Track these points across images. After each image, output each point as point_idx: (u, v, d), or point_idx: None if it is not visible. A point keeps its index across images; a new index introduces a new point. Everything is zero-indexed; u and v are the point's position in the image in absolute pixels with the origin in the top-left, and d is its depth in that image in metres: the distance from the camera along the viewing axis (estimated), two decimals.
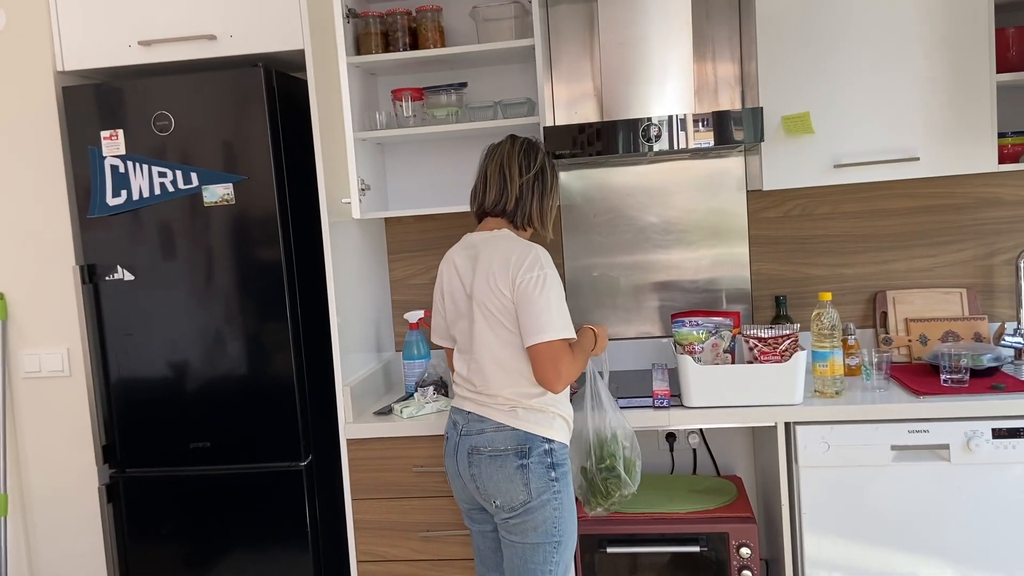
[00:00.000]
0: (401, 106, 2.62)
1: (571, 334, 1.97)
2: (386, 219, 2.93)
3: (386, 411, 2.46)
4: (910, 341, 2.63)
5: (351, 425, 2.38)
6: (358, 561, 2.40)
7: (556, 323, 1.93)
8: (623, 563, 2.35)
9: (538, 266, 1.96)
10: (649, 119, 2.34)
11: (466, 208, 2.48)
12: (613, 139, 2.37)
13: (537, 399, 2.01)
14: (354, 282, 2.60)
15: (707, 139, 2.30)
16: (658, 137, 2.34)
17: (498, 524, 2.04)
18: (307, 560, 2.38)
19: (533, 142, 2.15)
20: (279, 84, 2.36)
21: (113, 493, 2.44)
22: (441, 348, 2.26)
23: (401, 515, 2.38)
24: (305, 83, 2.32)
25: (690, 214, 2.80)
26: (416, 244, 2.93)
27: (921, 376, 2.42)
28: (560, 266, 2.86)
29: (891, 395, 2.28)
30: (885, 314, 2.68)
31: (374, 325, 2.75)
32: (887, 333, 2.66)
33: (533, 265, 1.96)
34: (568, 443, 2.08)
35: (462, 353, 2.09)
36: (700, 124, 2.33)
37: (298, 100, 2.40)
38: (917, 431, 2.19)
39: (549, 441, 2.00)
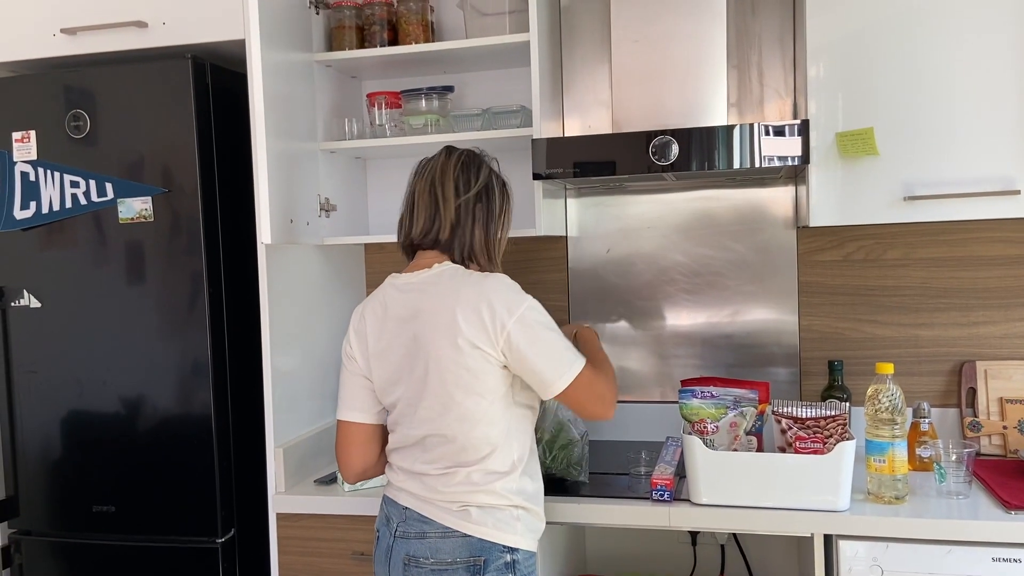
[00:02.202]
0: (376, 113, 2.21)
1: (582, 358, 1.59)
2: (366, 246, 2.52)
3: (330, 480, 2.03)
4: (1005, 428, 2.02)
5: (282, 496, 1.96)
6: None
7: (566, 358, 1.56)
8: None
9: (516, 304, 1.56)
10: (658, 133, 1.86)
11: None
12: (613, 157, 1.90)
13: (499, 482, 1.56)
14: (311, 319, 2.19)
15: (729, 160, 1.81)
16: (669, 155, 1.85)
17: None
18: None
19: (475, 154, 1.69)
20: (215, 80, 1.99)
21: (11, 556, 2.09)
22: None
23: None
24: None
25: (725, 252, 2.28)
26: None
27: (1016, 479, 1.82)
28: (564, 311, 2.38)
29: (973, 505, 1.70)
30: (974, 391, 2.09)
31: (337, 371, 2.32)
32: (975, 416, 2.07)
33: (513, 306, 1.55)
34: (535, 549, 1.63)
35: (400, 426, 1.64)
36: (722, 140, 1.83)
37: (245, 101, 2.02)
38: (1006, 559, 1.61)
39: (511, 551, 1.57)
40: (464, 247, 1.63)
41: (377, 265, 2.51)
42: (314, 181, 2.15)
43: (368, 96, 2.26)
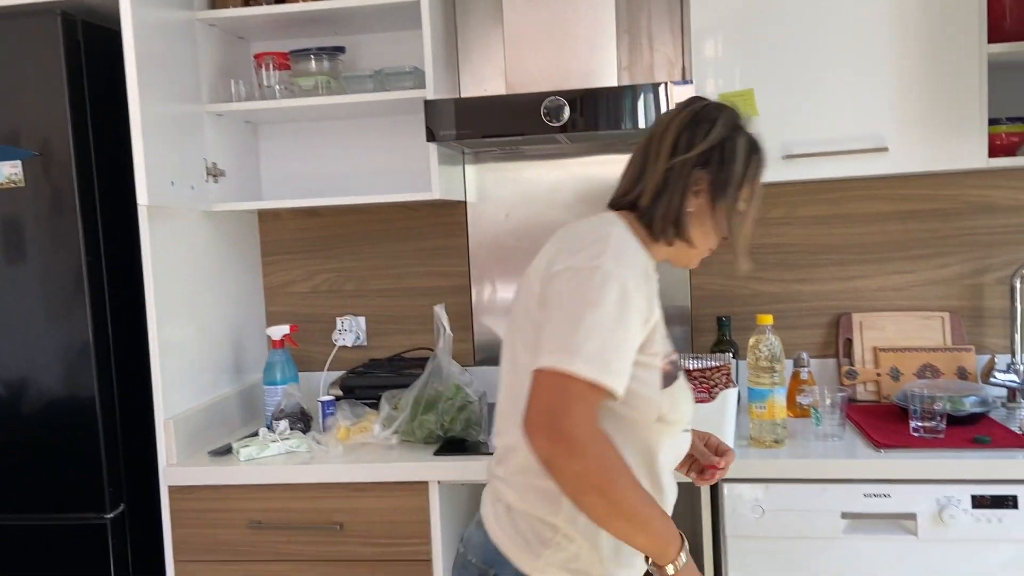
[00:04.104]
0: (264, 74, 2.15)
1: (606, 379, 1.08)
2: (260, 214, 2.46)
3: (224, 451, 1.99)
4: (879, 375, 2.15)
5: (174, 468, 1.91)
6: None
7: (584, 348, 1.08)
8: None
9: (593, 253, 1.14)
10: (551, 94, 1.88)
11: (353, 201, 2.04)
12: (508, 118, 1.91)
13: (544, 484, 1.16)
14: (202, 290, 2.12)
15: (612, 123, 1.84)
16: (561, 117, 1.87)
17: None
18: None
19: (718, 107, 1.29)
20: (89, 38, 1.89)
21: None
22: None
23: None
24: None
25: None
26: (295, 244, 2.46)
27: (887, 422, 1.94)
28: (465, 276, 2.39)
29: (847, 447, 1.81)
30: (850, 342, 2.20)
31: (233, 342, 2.27)
32: (851, 365, 2.19)
33: (584, 248, 1.16)
34: None
35: None
36: (606, 104, 1.86)
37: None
38: (876, 495, 1.72)
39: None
40: (669, 220, 1.24)
41: (273, 234, 2.46)
42: (199, 144, 2.08)
43: (256, 57, 2.19)
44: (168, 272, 1.96)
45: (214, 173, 2.13)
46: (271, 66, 2.13)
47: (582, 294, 1.11)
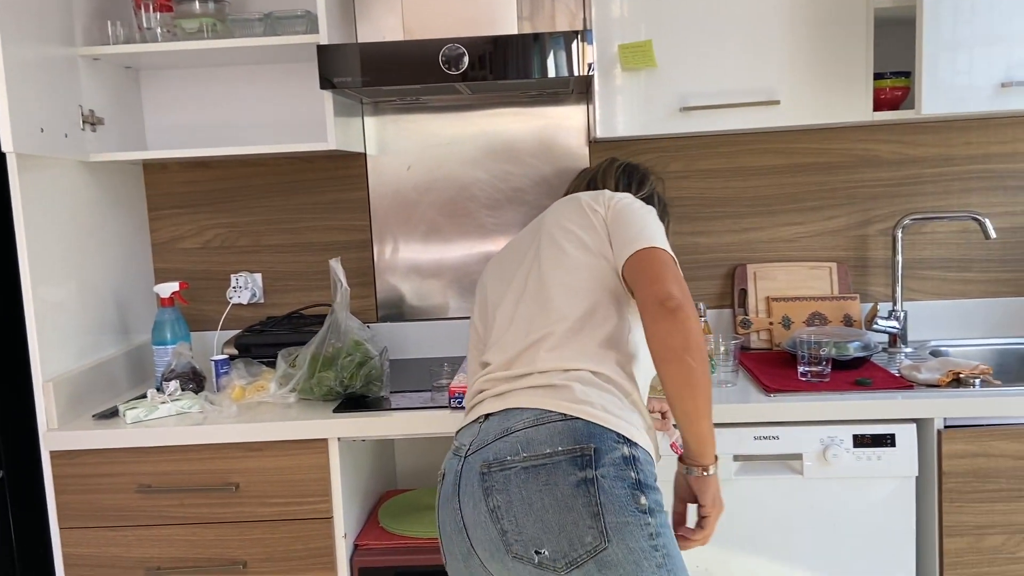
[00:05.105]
0: (144, 16, 2.02)
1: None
2: (145, 166, 2.33)
3: (110, 413, 1.90)
4: (771, 324, 2.22)
5: (54, 433, 1.81)
6: None
7: (659, 237, 1.39)
8: None
9: (629, 195, 1.54)
10: (450, 41, 1.83)
11: (244, 151, 1.95)
12: (404, 65, 1.85)
13: (617, 368, 1.34)
14: (83, 245, 2.00)
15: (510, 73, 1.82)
16: (460, 65, 1.83)
17: None
18: None
19: (639, 167, 1.74)
20: None
21: None
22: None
23: (124, 548, 1.83)
24: None
25: (524, 169, 2.31)
26: (183, 198, 2.34)
27: (777, 368, 2.01)
28: (365, 231, 2.33)
29: (739, 392, 1.86)
30: (744, 292, 2.27)
31: (119, 301, 2.16)
32: (746, 315, 2.25)
33: (624, 193, 1.54)
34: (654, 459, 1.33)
35: (494, 327, 1.45)
36: (504, 52, 1.83)
37: None
38: (765, 437, 1.78)
39: (630, 444, 1.26)
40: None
41: (159, 187, 2.33)
42: (73, 90, 1.95)
43: None
44: (44, 226, 1.84)
45: (91, 121, 2.00)
46: (151, 7, 2.00)
47: (643, 211, 1.45)
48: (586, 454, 1.21)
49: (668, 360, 1.26)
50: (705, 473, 1.34)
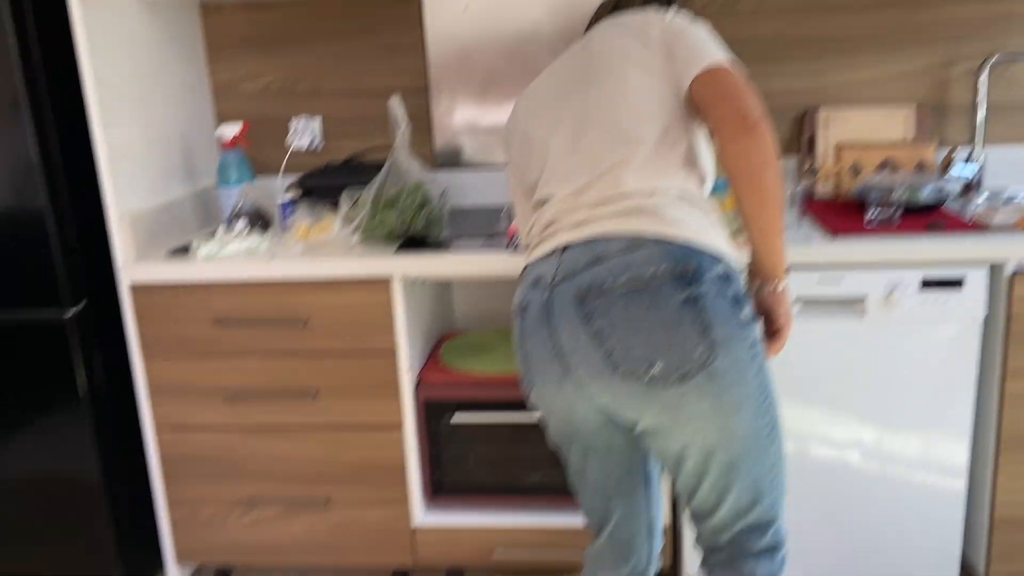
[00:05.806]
0: None
1: None
2: (202, 7, 2.30)
3: (183, 249, 1.97)
4: (840, 171, 2.15)
5: (133, 266, 1.89)
6: (156, 431, 1.99)
7: (723, 55, 1.35)
8: (475, 433, 1.96)
9: (681, 15, 1.43)
10: None
11: None
12: None
13: (699, 185, 1.37)
14: (145, 88, 2.01)
15: None
16: None
17: (651, 416, 1.26)
18: (84, 432, 1.94)
19: None
20: None
21: None
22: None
23: (202, 377, 1.95)
24: None
25: (594, 7, 2.21)
26: (243, 41, 2.32)
27: (845, 214, 1.96)
28: (422, 76, 2.29)
29: (802, 236, 1.83)
30: (813, 138, 2.19)
31: (183, 144, 2.19)
32: (814, 161, 2.18)
33: (676, 11, 1.46)
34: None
35: (548, 160, 1.43)
36: None
37: None
38: (829, 281, 1.76)
39: (724, 260, 1.29)
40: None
41: (218, 28, 2.31)
42: None
43: None
44: (108, 68, 1.84)
45: None
46: None
47: (699, 29, 1.38)
48: (688, 273, 1.23)
49: (747, 177, 1.26)
50: (779, 287, 1.36)
